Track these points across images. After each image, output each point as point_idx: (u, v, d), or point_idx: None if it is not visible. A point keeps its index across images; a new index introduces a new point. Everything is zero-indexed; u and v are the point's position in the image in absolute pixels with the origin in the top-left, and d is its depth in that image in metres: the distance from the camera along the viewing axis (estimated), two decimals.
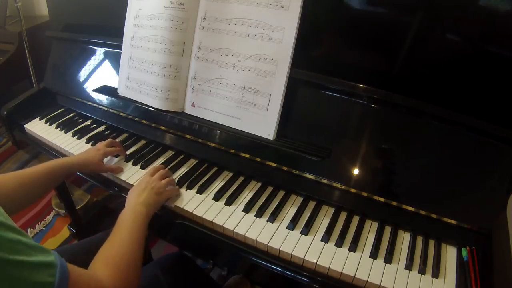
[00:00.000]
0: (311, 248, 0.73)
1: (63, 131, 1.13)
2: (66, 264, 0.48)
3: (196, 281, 0.93)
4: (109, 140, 0.98)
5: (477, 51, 0.74)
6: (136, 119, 1.06)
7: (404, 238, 0.78)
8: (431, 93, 0.77)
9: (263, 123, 0.86)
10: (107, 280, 0.56)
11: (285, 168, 0.87)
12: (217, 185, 0.89)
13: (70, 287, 0.47)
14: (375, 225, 0.80)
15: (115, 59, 1.10)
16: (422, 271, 0.70)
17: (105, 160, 0.96)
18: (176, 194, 0.86)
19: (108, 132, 1.13)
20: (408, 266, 0.71)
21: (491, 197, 0.73)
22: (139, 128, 1.07)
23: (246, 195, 0.86)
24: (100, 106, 1.14)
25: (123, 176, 0.93)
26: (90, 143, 1.07)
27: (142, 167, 0.96)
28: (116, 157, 1.00)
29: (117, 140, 1.06)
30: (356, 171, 0.80)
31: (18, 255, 0.42)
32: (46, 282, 0.44)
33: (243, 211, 0.82)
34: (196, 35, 0.93)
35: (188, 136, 0.98)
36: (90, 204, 1.80)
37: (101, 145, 0.96)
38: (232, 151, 0.92)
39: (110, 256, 0.62)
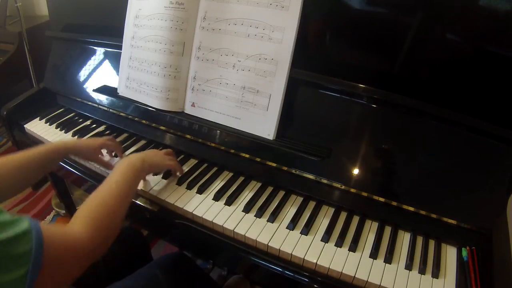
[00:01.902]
0: (311, 248, 0.73)
1: (63, 131, 1.13)
2: (40, 226, 0.47)
3: (196, 281, 0.93)
4: (110, 137, 0.99)
5: (477, 51, 0.74)
6: (136, 119, 1.06)
7: (404, 238, 0.78)
8: (431, 93, 0.77)
9: (263, 123, 0.86)
10: (82, 234, 0.56)
11: (285, 168, 0.87)
12: (217, 185, 0.89)
13: (46, 248, 0.46)
14: (375, 225, 0.80)
15: (115, 59, 1.10)
16: (422, 271, 0.70)
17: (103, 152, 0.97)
18: (177, 169, 0.88)
19: (108, 132, 1.13)
20: (408, 266, 0.71)
21: (491, 197, 0.73)
22: (139, 128, 1.07)
23: (246, 195, 0.86)
24: (100, 106, 1.14)
25: None
26: None
27: None
28: (117, 157, 1.00)
29: (117, 140, 1.07)
30: (356, 171, 0.80)
31: None
32: (24, 252, 0.44)
33: (243, 211, 0.82)
34: (196, 35, 0.93)
35: (188, 136, 0.98)
36: None
37: (101, 137, 0.97)
38: (232, 151, 0.92)
39: (93, 209, 0.61)
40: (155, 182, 0.89)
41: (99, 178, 0.97)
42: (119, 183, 0.68)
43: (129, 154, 1.01)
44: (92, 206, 0.62)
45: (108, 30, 1.11)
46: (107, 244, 0.61)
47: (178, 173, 0.90)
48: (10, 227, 0.44)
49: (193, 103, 0.96)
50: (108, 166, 0.95)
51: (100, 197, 0.64)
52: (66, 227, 0.57)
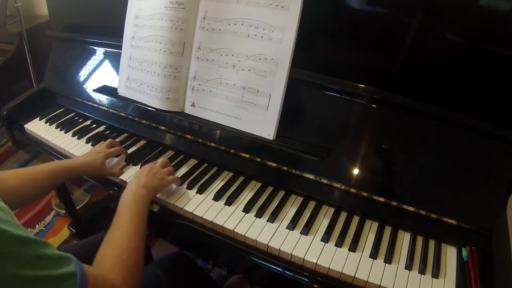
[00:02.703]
0: (311, 248, 0.73)
1: (63, 131, 1.13)
2: (84, 269, 0.49)
3: (196, 281, 0.93)
4: (109, 141, 0.99)
5: (477, 51, 0.74)
6: (136, 119, 1.06)
7: (404, 238, 0.78)
8: (431, 93, 0.77)
9: (263, 123, 0.86)
10: (119, 281, 0.57)
11: (285, 168, 0.87)
12: (217, 185, 0.89)
13: None
14: (375, 225, 0.80)
15: (115, 59, 1.10)
16: (422, 271, 0.70)
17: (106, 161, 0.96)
18: (177, 183, 0.87)
19: (108, 132, 1.13)
20: (408, 266, 0.71)
21: (491, 197, 0.73)
22: (139, 128, 1.07)
23: (246, 195, 0.86)
24: (100, 106, 1.14)
25: (123, 176, 0.93)
26: (90, 143, 1.07)
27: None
28: (117, 157, 1.00)
29: (117, 140, 1.06)
30: (356, 171, 0.80)
31: (43, 270, 0.43)
32: None
33: (243, 211, 0.82)
34: (196, 35, 0.93)
35: (188, 136, 0.98)
36: (90, 204, 1.80)
37: (101, 147, 0.96)
38: (232, 151, 0.92)
39: (119, 254, 0.62)
40: None
41: (99, 179, 0.97)
42: (133, 222, 0.68)
43: (129, 154, 1.00)
44: (118, 251, 0.62)
45: (108, 30, 1.11)
46: (138, 284, 0.62)
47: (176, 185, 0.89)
48: (59, 265, 0.46)
49: (193, 103, 0.96)
50: (119, 174, 0.94)
51: (122, 241, 0.65)
52: (100, 267, 0.59)
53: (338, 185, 0.82)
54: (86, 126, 1.16)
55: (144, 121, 1.05)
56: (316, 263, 0.70)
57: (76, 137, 1.10)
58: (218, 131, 0.92)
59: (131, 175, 0.93)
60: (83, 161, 0.90)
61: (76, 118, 1.21)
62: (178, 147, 1.01)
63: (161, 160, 0.91)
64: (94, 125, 1.17)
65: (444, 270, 0.71)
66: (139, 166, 0.96)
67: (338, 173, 0.81)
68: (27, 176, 0.77)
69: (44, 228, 1.75)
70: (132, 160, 0.98)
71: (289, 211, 0.82)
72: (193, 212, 0.81)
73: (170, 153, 1.02)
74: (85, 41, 1.19)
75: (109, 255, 0.62)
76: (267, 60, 0.84)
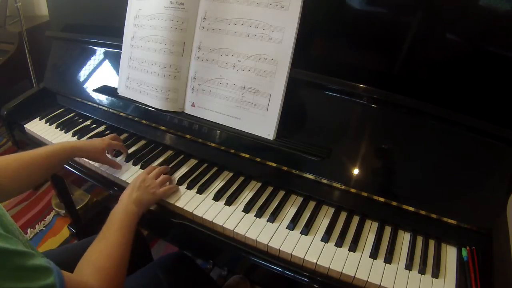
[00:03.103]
0: (311, 248, 0.73)
1: (63, 131, 1.13)
2: (63, 277, 0.49)
3: (196, 281, 0.93)
4: (113, 135, 0.99)
5: (477, 51, 0.74)
6: (136, 119, 1.06)
7: (404, 238, 0.78)
8: (431, 93, 0.77)
9: (263, 123, 0.86)
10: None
11: (285, 168, 0.87)
12: (217, 185, 0.89)
13: None
14: (375, 225, 0.80)
15: (115, 59, 1.10)
16: (422, 271, 0.70)
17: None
18: (172, 191, 0.86)
19: (108, 132, 1.13)
20: (408, 266, 0.71)
21: (491, 197, 0.73)
22: (139, 128, 1.07)
23: (246, 195, 0.86)
24: (100, 106, 1.14)
25: (123, 177, 0.93)
26: None
27: (142, 167, 0.96)
28: (117, 156, 1.00)
29: (120, 138, 1.07)
30: (356, 171, 0.80)
31: (23, 282, 0.43)
32: None
33: (243, 211, 0.82)
34: (196, 35, 0.93)
35: (188, 136, 0.98)
36: (90, 204, 1.81)
37: (105, 137, 0.96)
38: (232, 151, 0.92)
39: (101, 262, 0.62)
40: None
41: (99, 178, 0.98)
42: (120, 234, 0.69)
43: (129, 153, 1.01)
44: (100, 260, 0.63)
45: (108, 30, 1.11)
46: None
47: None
48: (39, 276, 0.46)
49: (193, 103, 0.96)
50: (115, 165, 0.94)
51: (106, 250, 0.65)
52: (80, 274, 0.59)
53: (338, 185, 0.82)
54: (86, 126, 1.16)
55: (144, 121, 1.05)
56: (316, 263, 0.70)
57: (76, 137, 1.10)
58: (218, 131, 0.92)
59: (131, 175, 0.93)
60: (85, 143, 0.91)
61: (76, 118, 1.21)
62: (178, 147, 1.01)
63: (157, 168, 0.89)
64: (94, 125, 1.17)
65: (444, 270, 0.71)
66: (139, 166, 0.96)
67: (338, 173, 0.81)
68: (27, 159, 0.76)
69: (44, 228, 1.75)
70: (132, 160, 0.98)
71: (289, 211, 0.82)
72: (193, 212, 0.81)
73: (170, 153, 1.02)
74: (85, 41, 1.19)
75: (92, 262, 0.62)
76: (267, 60, 0.84)
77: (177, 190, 0.87)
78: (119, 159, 0.99)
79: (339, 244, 0.74)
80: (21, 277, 0.44)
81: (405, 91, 0.77)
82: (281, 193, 0.87)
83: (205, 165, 0.96)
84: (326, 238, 0.75)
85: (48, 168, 0.81)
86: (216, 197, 0.85)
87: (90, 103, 1.16)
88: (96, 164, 0.97)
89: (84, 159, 0.97)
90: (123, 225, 0.70)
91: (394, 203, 0.78)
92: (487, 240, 0.72)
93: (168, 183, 0.87)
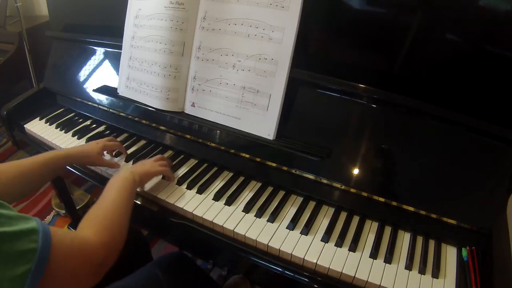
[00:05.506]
0: (311, 248, 0.73)
1: (63, 131, 1.13)
2: (49, 228, 0.48)
3: (196, 281, 0.93)
4: (109, 138, 0.99)
5: (477, 51, 0.74)
6: (136, 119, 1.06)
7: (404, 238, 0.78)
8: (431, 93, 0.77)
9: (263, 123, 0.86)
10: (91, 238, 0.56)
11: (285, 168, 0.87)
12: (217, 185, 0.89)
13: (53, 249, 0.46)
14: (375, 225, 0.80)
15: (115, 59, 1.10)
16: (422, 271, 0.70)
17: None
18: (169, 173, 0.88)
19: (108, 132, 1.13)
20: (408, 266, 0.71)
21: (491, 197, 0.73)
22: (139, 128, 1.07)
23: (246, 195, 0.86)
24: (100, 106, 1.14)
25: None
26: None
27: None
28: (117, 156, 1.00)
29: (117, 140, 1.06)
30: (356, 171, 0.80)
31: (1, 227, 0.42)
32: (29, 249, 0.44)
33: (243, 211, 0.82)
34: (196, 35, 0.93)
35: (188, 136, 0.98)
36: (90, 204, 1.79)
37: (101, 140, 0.96)
38: (232, 151, 0.92)
39: (95, 216, 0.62)
40: (154, 182, 0.89)
41: (99, 178, 0.98)
42: (117, 194, 0.69)
43: (129, 154, 1.01)
44: (98, 213, 0.63)
45: (108, 30, 1.11)
46: (117, 243, 0.61)
47: (169, 180, 0.89)
48: (17, 222, 0.44)
49: (193, 103, 0.96)
50: (114, 166, 0.95)
51: (104, 205, 0.65)
52: (74, 231, 0.58)
53: (338, 185, 0.82)
54: (86, 126, 1.16)
55: (144, 121, 1.05)
56: (316, 263, 0.70)
57: (76, 137, 1.10)
58: (218, 131, 0.92)
59: None
60: (79, 149, 0.91)
61: (76, 118, 1.21)
62: (178, 147, 1.01)
63: (159, 156, 0.92)
64: (94, 125, 1.17)
65: (444, 270, 0.71)
66: None
67: (338, 173, 0.81)
68: (25, 167, 0.77)
69: None
70: (132, 160, 0.98)
71: (289, 211, 0.82)
72: (193, 212, 0.81)
73: (170, 153, 1.02)
74: (85, 41, 1.19)
75: (88, 219, 0.61)
76: (267, 60, 0.84)
77: (173, 177, 0.89)
78: (119, 160, 0.99)
79: (339, 244, 0.74)
80: None
81: (405, 91, 0.77)
82: (281, 193, 0.87)
83: (205, 165, 0.96)
84: (326, 238, 0.75)
85: (43, 176, 0.82)
86: (216, 197, 0.85)
87: (90, 103, 1.16)
88: (101, 167, 0.97)
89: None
90: (120, 189, 0.71)
91: (394, 203, 0.78)
92: (487, 240, 0.72)
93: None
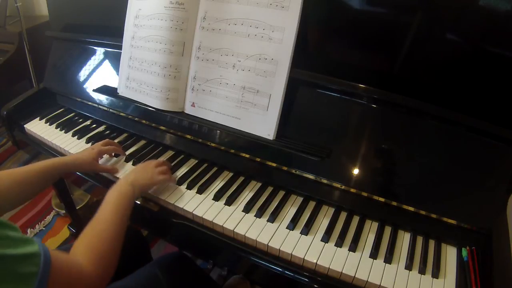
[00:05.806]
0: (311, 248, 0.73)
1: (63, 131, 1.13)
2: (49, 252, 0.49)
3: (195, 281, 0.93)
4: (105, 140, 0.99)
5: (477, 51, 0.74)
6: (136, 119, 1.06)
7: (404, 238, 0.78)
8: (431, 93, 0.77)
9: (263, 123, 0.86)
10: (87, 267, 0.58)
11: (285, 168, 0.87)
12: (217, 185, 0.89)
13: (52, 274, 0.48)
14: (375, 225, 0.80)
15: (115, 59, 1.10)
16: (422, 271, 0.70)
17: (103, 160, 0.96)
18: (170, 181, 0.87)
19: (108, 132, 1.13)
20: (408, 266, 0.71)
21: (491, 197, 0.73)
22: (139, 128, 1.07)
23: (246, 195, 0.86)
24: (100, 106, 1.14)
25: (122, 176, 0.93)
26: (90, 143, 1.07)
27: None
28: (116, 157, 1.00)
29: (117, 140, 1.07)
30: (356, 171, 0.80)
31: (4, 249, 0.43)
32: (30, 273, 0.45)
33: (243, 211, 0.82)
34: (196, 35, 0.93)
35: (188, 136, 0.98)
36: (90, 204, 1.80)
37: (96, 144, 0.96)
38: (232, 151, 0.92)
39: (92, 241, 0.63)
40: None
41: (99, 179, 0.98)
42: (113, 213, 0.69)
43: (129, 154, 1.01)
44: (92, 238, 0.63)
45: (108, 30, 1.11)
46: (110, 273, 0.62)
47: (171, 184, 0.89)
48: (21, 245, 0.46)
49: (193, 103, 0.96)
50: (112, 171, 0.94)
51: (98, 229, 0.66)
52: (72, 253, 0.59)
53: (338, 185, 0.82)
54: (86, 126, 1.16)
55: (144, 121, 1.05)
56: (316, 263, 0.70)
57: (76, 137, 1.10)
58: (218, 131, 0.92)
59: None
60: (75, 157, 0.91)
61: (76, 118, 1.21)
62: (178, 147, 1.01)
63: (160, 159, 0.91)
64: (94, 125, 1.17)
65: (444, 270, 0.71)
66: None
67: (338, 173, 0.81)
68: (19, 176, 0.77)
69: (44, 228, 1.75)
70: (132, 160, 0.98)
71: (289, 211, 0.82)
72: (193, 212, 0.81)
73: (170, 153, 1.02)
74: (85, 41, 1.19)
75: (84, 242, 0.62)
76: (267, 60, 0.84)
77: (174, 181, 0.88)
78: (119, 160, 0.99)
79: (339, 244, 0.74)
80: (2, 245, 0.43)
81: (405, 91, 0.77)
82: (281, 193, 0.87)
83: (205, 165, 0.96)
84: (326, 238, 0.75)
85: (40, 185, 0.82)
86: (216, 197, 0.85)
87: (90, 103, 1.16)
88: (101, 173, 0.97)
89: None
90: (117, 205, 0.71)
91: (394, 203, 0.78)
92: (487, 240, 0.72)
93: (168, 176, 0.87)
